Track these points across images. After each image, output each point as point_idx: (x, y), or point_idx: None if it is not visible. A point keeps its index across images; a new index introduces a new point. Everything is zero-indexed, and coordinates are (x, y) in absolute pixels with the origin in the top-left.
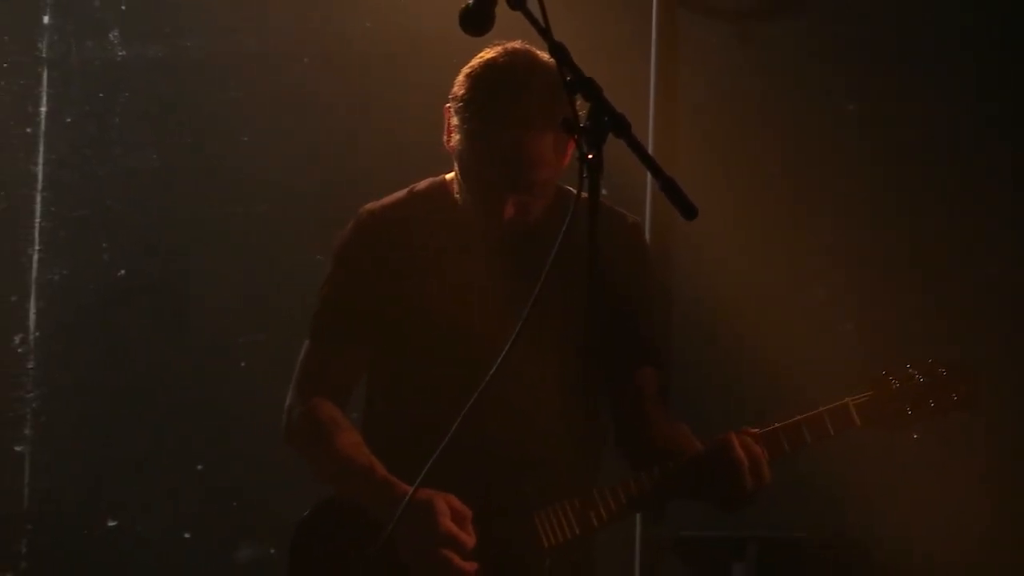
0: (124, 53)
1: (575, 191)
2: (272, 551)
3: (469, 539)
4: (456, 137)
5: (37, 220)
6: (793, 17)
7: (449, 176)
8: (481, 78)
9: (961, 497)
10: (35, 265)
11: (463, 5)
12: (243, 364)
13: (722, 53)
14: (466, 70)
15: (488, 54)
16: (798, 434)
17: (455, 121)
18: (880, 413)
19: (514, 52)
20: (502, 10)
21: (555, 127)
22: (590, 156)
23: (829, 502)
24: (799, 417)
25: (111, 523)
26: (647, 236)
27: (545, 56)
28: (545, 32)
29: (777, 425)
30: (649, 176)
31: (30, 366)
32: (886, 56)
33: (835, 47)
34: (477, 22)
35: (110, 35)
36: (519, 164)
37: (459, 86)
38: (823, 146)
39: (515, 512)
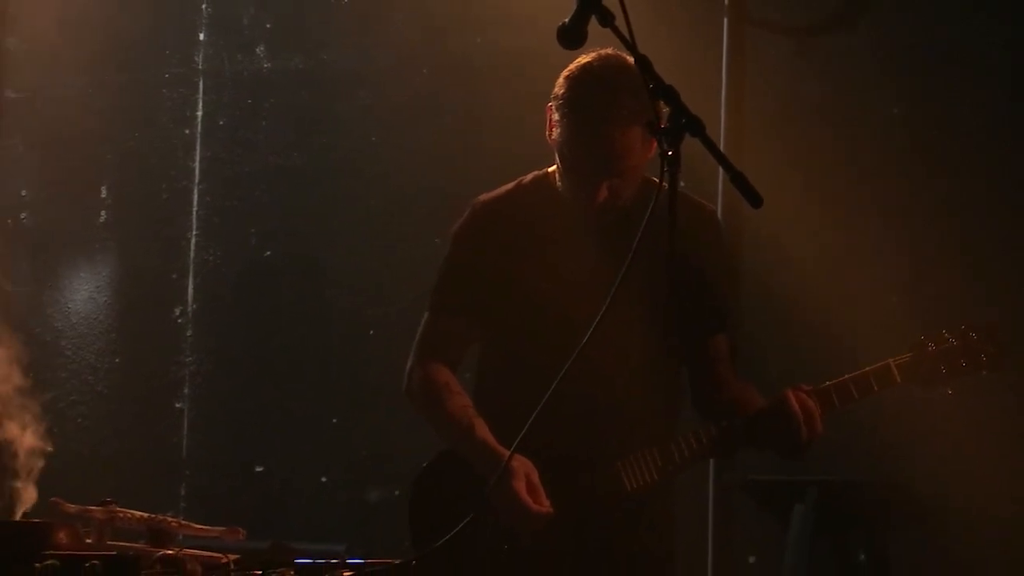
0: (269, 65)
1: (658, 182)
2: (397, 493)
3: (540, 496)
4: (557, 131)
5: (194, 209)
6: (847, 32)
7: (551, 168)
8: (578, 79)
9: (1001, 446)
10: (192, 247)
11: (560, 23)
12: (372, 332)
13: (784, 64)
14: (565, 73)
15: (584, 59)
16: (846, 390)
17: (556, 117)
18: (918, 372)
19: (606, 56)
20: (593, 27)
21: (642, 121)
22: (670, 153)
23: (881, 451)
24: (847, 376)
25: (258, 469)
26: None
27: (631, 59)
28: (631, 46)
29: (828, 383)
30: (721, 170)
31: (188, 334)
32: (929, 65)
33: (883, 58)
34: (572, 38)
35: (257, 50)
36: (611, 153)
37: (559, 87)
38: (872, 144)
39: (601, 461)
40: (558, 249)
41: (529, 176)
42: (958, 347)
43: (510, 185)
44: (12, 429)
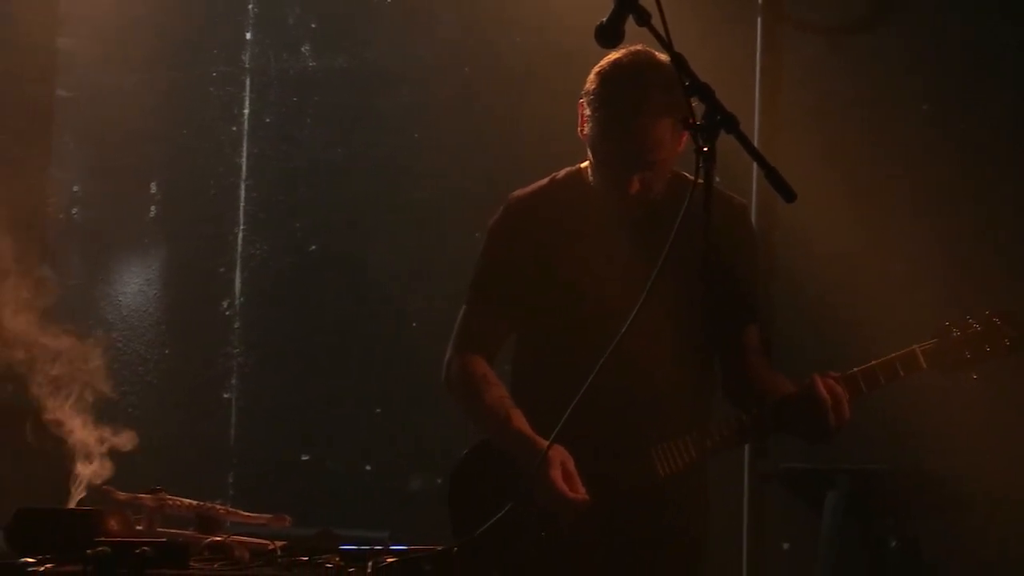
0: (314, 64)
1: (692, 177)
2: (438, 481)
3: (577, 484)
4: (589, 126)
5: (241, 204)
6: (877, 32)
7: (584, 164)
8: (609, 75)
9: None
10: (240, 242)
11: (598, 22)
12: (414, 324)
13: (817, 62)
14: (596, 69)
15: (614, 55)
16: (873, 376)
17: (588, 112)
18: (943, 357)
19: (636, 52)
20: (630, 26)
21: (671, 114)
22: (705, 149)
23: (910, 440)
24: (874, 362)
25: (304, 457)
26: (752, 216)
27: (661, 55)
28: (667, 44)
29: (855, 369)
30: (755, 165)
31: (236, 327)
32: (955, 64)
33: (912, 57)
34: (609, 36)
35: (302, 48)
36: (643, 146)
37: (591, 83)
38: (903, 141)
39: (634, 448)
40: (591, 242)
41: (562, 171)
42: (982, 332)
43: (544, 180)
44: (69, 412)
